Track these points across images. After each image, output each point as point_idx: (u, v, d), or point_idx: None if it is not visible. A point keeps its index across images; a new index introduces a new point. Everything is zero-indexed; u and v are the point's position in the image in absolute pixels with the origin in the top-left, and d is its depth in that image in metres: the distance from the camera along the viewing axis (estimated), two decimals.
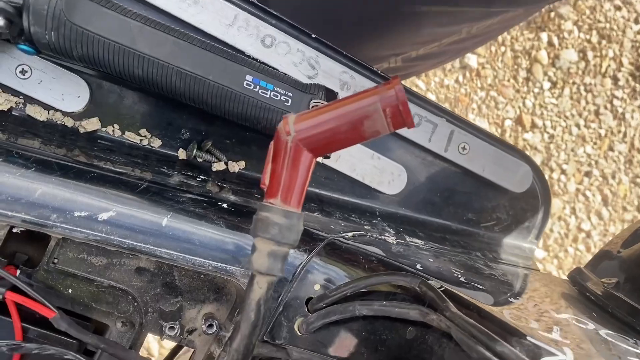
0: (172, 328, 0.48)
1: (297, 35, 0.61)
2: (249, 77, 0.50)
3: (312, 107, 0.53)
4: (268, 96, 0.51)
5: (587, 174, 1.67)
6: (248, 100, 0.51)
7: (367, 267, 0.48)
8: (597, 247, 1.63)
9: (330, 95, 0.54)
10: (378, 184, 0.66)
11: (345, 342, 0.45)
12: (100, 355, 0.48)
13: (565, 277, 0.66)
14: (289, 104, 0.52)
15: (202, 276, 0.51)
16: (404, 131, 0.66)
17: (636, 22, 1.67)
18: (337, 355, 0.45)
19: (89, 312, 0.49)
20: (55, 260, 0.47)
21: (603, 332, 0.44)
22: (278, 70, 0.60)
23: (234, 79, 0.50)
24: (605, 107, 1.66)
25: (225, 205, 0.51)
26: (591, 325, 0.45)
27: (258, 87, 0.51)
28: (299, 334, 0.45)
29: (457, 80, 1.52)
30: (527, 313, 0.45)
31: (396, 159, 0.66)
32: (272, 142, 0.42)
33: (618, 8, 1.65)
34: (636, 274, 0.53)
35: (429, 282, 0.43)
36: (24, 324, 0.46)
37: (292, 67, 0.61)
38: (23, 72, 0.54)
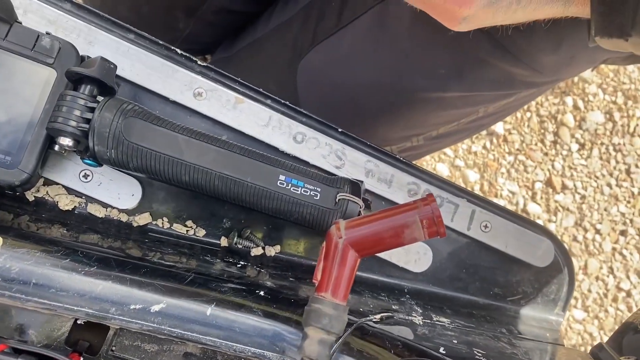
0: None
1: (325, 131, 0.67)
2: (282, 177, 0.57)
3: (339, 200, 0.58)
4: (299, 192, 0.57)
5: (623, 233, 1.65)
6: (281, 197, 0.57)
7: (393, 351, 0.52)
8: (638, 305, 1.60)
9: (355, 187, 0.60)
10: (405, 263, 0.70)
11: None
12: None
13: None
14: (317, 198, 0.58)
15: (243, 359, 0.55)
16: None
17: None
18: None
19: None
20: (114, 348, 0.53)
21: None
22: (308, 162, 0.66)
23: (269, 179, 0.56)
24: (637, 166, 1.66)
25: (262, 292, 0.56)
26: None
27: (290, 185, 0.57)
28: None
29: (484, 147, 1.56)
30: None
31: None
32: (323, 244, 0.50)
33: None
34: None
35: None
36: None
37: (321, 159, 0.67)
38: (85, 176, 0.61)
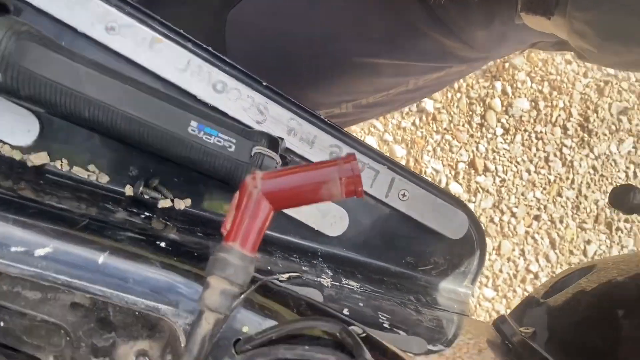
0: None
1: (248, 82, 0.64)
2: (193, 123, 0.53)
3: (254, 154, 0.55)
4: (212, 142, 0.54)
5: (536, 218, 1.73)
6: (192, 145, 0.53)
7: (295, 310, 0.50)
8: None
9: (273, 142, 0.57)
10: (320, 226, 0.69)
11: None
12: None
13: None
14: (232, 149, 0.54)
15: (137, 313, 0.52)
16: None
17: (585, 76, 1.77)
18: None
19: (20, 345, 0.50)
20: None
21: None
22: (227, 114, 0.63)
23: (178, 124, 0.52)
24: (555, 155, 1.74)
25: (163, 244, 0.53)
26: None
27: (202, 132, 0.53)
28: None
29: (413, 123, 1.57)
30: (445, 353, 0.47)
31: (339, 202, 0.69)
32: (237, 192, 0.47)
33: (569, 62, 1.75)
34: (551, 325, 0.57)
35: (350, 328, 0.45)
36: None
37: (241, 112, 0.63)
38: None
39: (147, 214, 0.60)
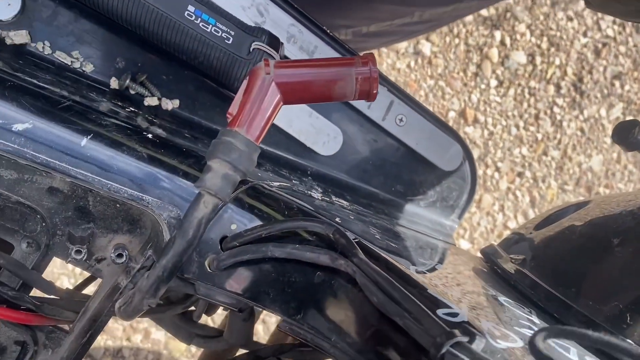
0: (78, 252, 0.47)
1: None
2: (191, 8, 0.49)
3: (253, 49, 0.52)
4: (209, 31, 0.50)
5: (520, 175, 1.74)
6: (187, 31, 0.50)
7: (286, 213, 0.48)
8: None
9: (273, 41, 0.54)
10: (313, 143, 0.66)
11: (253, 282, 0.45)
12: None
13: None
14: (229, 42, 0.51)
15: (118, 205, 0.49)
16: None
17: (584, 35, 1.74)
18: (245, 293, 0.45)
19: None
20: None
21: (502, 298, 0.46)
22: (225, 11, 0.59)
23: (174, 6, 0.49)
24: (545, 113, 1.73)
25: (150, 135, 0.50)
26: (492, 292, 0.47)
27: (199, 19, 0.50)
28: (208, 270, 0.45)
29: (408, 65, 1.54)
30: (432, 273, 0.46)
31: (334, 121, 0.67)
32: (247, 78, 0.45)
33: (570, 19, 1.72)
34: (541, 252, 0.56)
35: (343, 231, 0.43)
36: None
37: (239, 10, 0.59)
38: None
39: (133, 109, 0.57)
